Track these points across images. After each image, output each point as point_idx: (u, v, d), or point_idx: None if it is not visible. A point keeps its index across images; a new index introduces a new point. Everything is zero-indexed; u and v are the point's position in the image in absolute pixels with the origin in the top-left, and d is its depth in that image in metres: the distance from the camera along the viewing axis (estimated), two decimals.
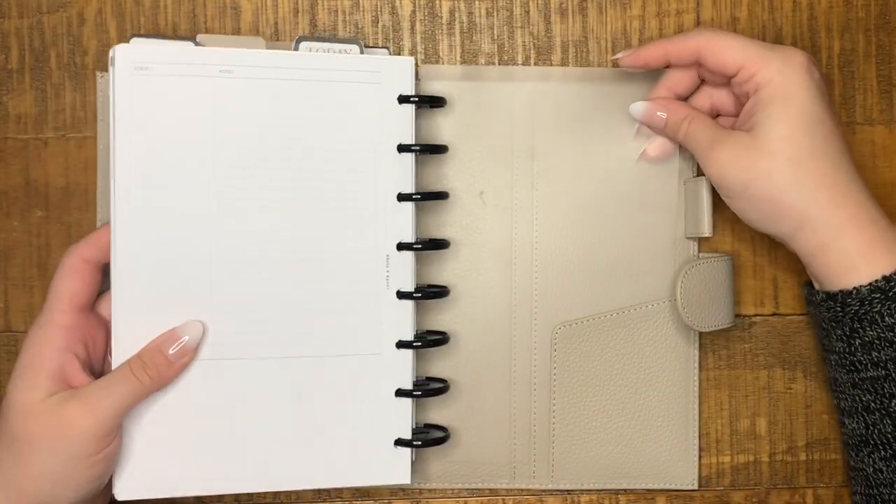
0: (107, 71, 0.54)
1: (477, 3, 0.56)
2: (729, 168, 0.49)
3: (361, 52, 0.51)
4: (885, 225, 0.48)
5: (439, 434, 0.53)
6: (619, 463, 0.55)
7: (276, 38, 0.55)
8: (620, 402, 0.55)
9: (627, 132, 0.55)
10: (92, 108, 0.55)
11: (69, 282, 0.48)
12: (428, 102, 0.53)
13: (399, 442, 0.52)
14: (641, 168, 0.55)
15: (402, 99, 0.51)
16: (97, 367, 0.50)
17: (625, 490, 0.56)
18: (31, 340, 0.48)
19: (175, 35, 0.54)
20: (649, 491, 0.56)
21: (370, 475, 0.52)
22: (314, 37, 0.52)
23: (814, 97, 0.48)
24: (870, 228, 0.48)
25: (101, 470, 0.47)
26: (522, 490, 0.56)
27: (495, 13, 0.56)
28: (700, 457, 0.56)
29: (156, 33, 0.54)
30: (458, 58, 0.56)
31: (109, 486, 0.50)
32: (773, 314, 0.57)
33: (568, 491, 0.56)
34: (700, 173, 0.54)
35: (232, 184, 0.49)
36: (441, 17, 0.56)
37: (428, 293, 0.53)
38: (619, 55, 0.53)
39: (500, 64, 0.56)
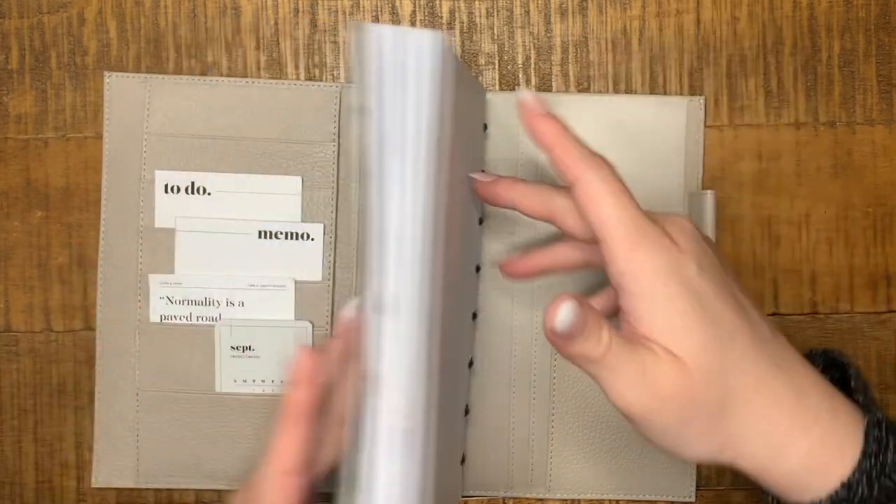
0: (113, 71, 0.54)
1: (477, 3, 0.56)
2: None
3: None
4: (823, 426, 0.39)
5: None
6: (616, 474, 0.55)
7: (276, 39, 0.55)
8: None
9: (628, 146, 0.55)
10: (92, 108, 0.55)
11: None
12: None
13: None
14: (644, 181, 0.55)
15: None
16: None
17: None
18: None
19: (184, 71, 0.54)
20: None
21: None
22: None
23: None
24: (791, 457, 0.39)
25: None
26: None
27: (495, 13, 0.56)
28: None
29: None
30: (458, 58, 0.56)
31: None
32: (773, 314, 0.57)
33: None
34: (705, 186, 0.54)
35: None
36: (441, 17, 0.56)
37: None
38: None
39: (500, 65, 0.56)
